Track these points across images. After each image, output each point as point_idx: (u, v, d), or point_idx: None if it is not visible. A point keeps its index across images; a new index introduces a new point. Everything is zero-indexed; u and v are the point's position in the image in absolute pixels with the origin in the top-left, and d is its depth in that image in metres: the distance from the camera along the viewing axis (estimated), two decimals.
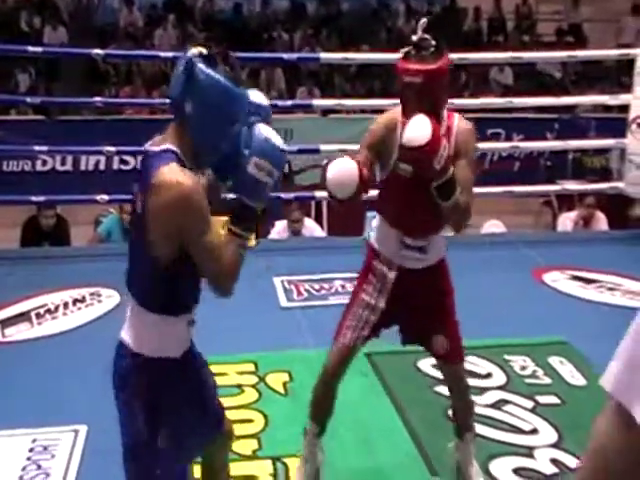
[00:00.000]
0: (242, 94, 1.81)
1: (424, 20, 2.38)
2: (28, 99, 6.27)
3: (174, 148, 1.77)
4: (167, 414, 1.87)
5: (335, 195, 2.24)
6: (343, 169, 2.23)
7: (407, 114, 2.32)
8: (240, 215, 1.83)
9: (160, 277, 1.80)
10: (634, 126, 5.19)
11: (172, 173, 1.72)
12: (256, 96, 2.00)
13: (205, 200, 1.76)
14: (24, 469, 2.72)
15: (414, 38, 2.33)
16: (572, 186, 6.33)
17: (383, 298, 2.47)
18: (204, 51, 1.77)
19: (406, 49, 2.34)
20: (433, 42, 2.31)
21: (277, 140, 1.83)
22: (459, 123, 2.40)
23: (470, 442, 2.63)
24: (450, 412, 2.75)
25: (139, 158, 8.36)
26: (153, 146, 1.81)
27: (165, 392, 1.87)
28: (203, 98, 1.75)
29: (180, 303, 1.87)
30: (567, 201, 6.77)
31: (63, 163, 8.38)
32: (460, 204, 2.30)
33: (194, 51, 1.77)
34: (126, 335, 1.88)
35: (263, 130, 1.83)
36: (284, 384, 3.30)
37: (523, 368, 3.47)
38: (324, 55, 5.61)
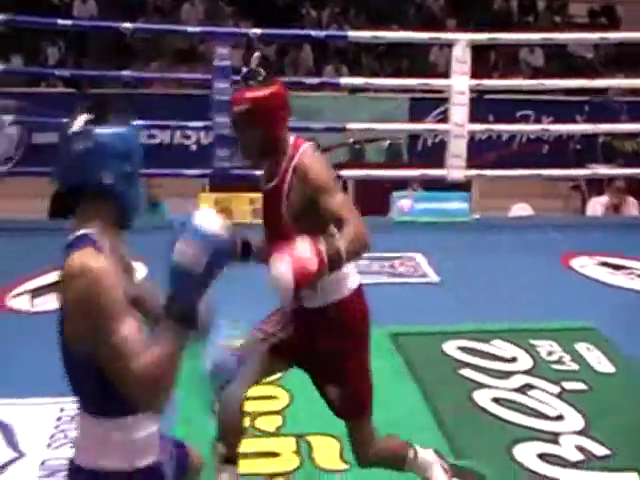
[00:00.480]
0: (132, 132, 1.65)
1: (257, 54, 2.34)
2: (57, 72, 6.29)
3: (88, 231, 1.59)
4: None
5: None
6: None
7: (244, 154, 2.24)
8: (167, 307, 1.52)
9: (85, 377, 1.58)
10: None
11: (80, 258, 1.53)
12: (205, 221, 1.54)
13: (117, 282, 1.53)
14: (52, 437, 2.75)
15: (244, 70, 2.26)
16: (602, 170, 6.24)
17: (284, 330, 2.28)
18: (88, 116, 1.63)
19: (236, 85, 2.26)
20: (262, 72, 2.23)
21: (213, 225, 1.52)
22: (300, 157, 2.17)
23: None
24: None
25: (166, 133, 8.42)
26: (69, 237, 1.62)
27: None
28: (120, 159, 1.60)
29: (120, 402, 1.54)
30: (597, 185, 6.68)
31: None
32: (350, 252, 2.00)
33: (78, 124, 1.63)
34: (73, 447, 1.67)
35: (202, 213, 1.54)
36: None
37: (550, 353, 3.44)
38: (352, 33, 5.57)
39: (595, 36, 6.13)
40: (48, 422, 2.83)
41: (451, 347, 3.44)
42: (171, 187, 6.09)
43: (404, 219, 5.06)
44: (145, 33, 9.22)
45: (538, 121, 8.51)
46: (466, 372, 3.27)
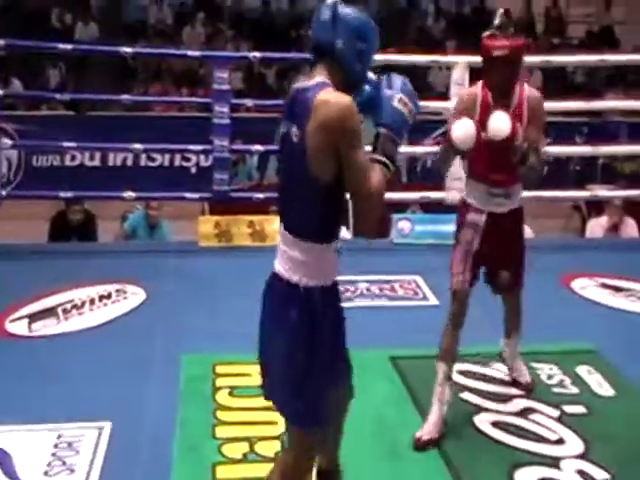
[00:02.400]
0: (376, 28, 2.07)
1: (502, 10, 2.88)
2: (58, 96, 6.32)
3: (327, 80, 2.00)
4: (321, 338, 2.03)
5: (459, 148, 2.83)
6: (465, 126, 2.79)
7: (489, 88, 2.88)
8: (384, 146, 2.02)
9: (318, 202, 1.99)
10: None
11: (331, 94, 1.94)
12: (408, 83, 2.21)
13: (360, 120, 1.95)
14: (49, 464, 2.73)
15: (496, 22, 2.85)
16: (602, 192, 6.24)
17: (477, 240, 3.00)
18: None
19: (490, 31, 2.85)
20: (512, 25, 2.84)
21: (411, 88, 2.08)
22: (529, 92, 2.93)
23: (516, 339, 3.27)
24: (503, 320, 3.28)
25: (166, 156, 8.46)
26: (302, 83, 2.04)
27: (318, 319, 2.03)
28: (352, 33, 2.01)
29: (334, 229, 2.06)
30: (596, 206, 6.68)
31: (92, 158, 8.45)
32: (534, 166, 2.81)
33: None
34: (281, 267, 2.06)
35: (400, 77, 2.09)
36: None
37: (550, 377, 3.42)
38: None
39: (594, 58, 6.15)
40: (45, 449, 2.81)
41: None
42: (171, 209, 6.10)
43: (404, 241, 5.06)
44: (146, 57, 9.28)
45: None
46: (466, 396, 3.25)
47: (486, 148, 2.85)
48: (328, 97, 1.94)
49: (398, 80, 2.07)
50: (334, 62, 2.02)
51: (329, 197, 1.99)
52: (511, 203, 3.02)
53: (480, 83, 2.96)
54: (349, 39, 2.01)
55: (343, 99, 1.94)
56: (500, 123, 2.77)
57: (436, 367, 3.01)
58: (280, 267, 2.06)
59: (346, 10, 2.04)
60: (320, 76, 2.02)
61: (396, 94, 2.04)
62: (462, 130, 2.81)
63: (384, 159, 2.01)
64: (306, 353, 2.02)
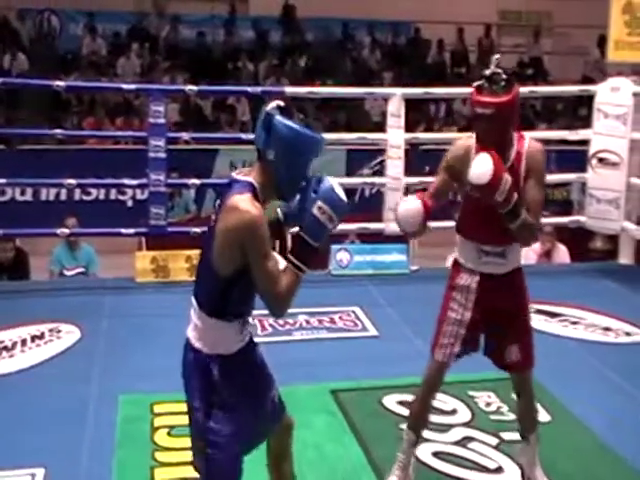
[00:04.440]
0: (317, 139, 2.09)
1: (497, 56, 2.65)
2: None
3: (254, 182, 2.07)
4: (223, 399, 2.14)
5: (404, 230, 2.71)
6: (409, 208, 2.66)
7: (479, 142, 2.61)
8: (300, 250, 2.09)
9: (218, 287, 2.09)
10: (594, 161, 5.29)
11: (242, 202, 2.02)
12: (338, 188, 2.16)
13: (267, 231, 2.04)
14: None
15: (487, 72, 2.59)
16: None
17: (468, 310, 2.70)
18: (281, 104, 2.08)
19: (479, 82, 2.59)
20: (504, 76, 2.56)
21: (341, 193, 2.10)
22: (529, 145, 2.66)
23: (535, 444, 2.86)
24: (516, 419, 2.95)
25: (101, 190, 8.31)
26: (239, 175, 2.12)
27: (221, 382, 2.13)
28: (283, 147, 2.05)
29: (235, 311, 2.14)
30: None
31: (23, 193, 8.26)
32: (526, 224, 2.55)
33: (272, 105, 2.08)
34: (190, 333, 2.18)
35: (331, 182, 2.10)
36: None
37: (488, 404, 3.46)
38: (289, 89, 5.62)
39: (526, 89, 6.34)
40: None
41: (391, 401, 3.44)
42: (106, 243, 6.00)
43: (342, 272, 5.08)
44: (78, 90, 9.15)
45: None
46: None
47: (477, 203, 2.60)
48: (238, 205, 2.01)
49: (326, 184, 2.08)
50: (267, 168, 2.08)
51: (229, 285, 2.09)
52: (508, 263, 2.69)
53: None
54: (281, 152, 2.05)
55: (250, 211, 2.00)
56: (480, 167, 2.48)
57: (404, 433, 2.83)
58: (189, 331, 2.19)
59: (281, 122, 2.05)
60: (252, 175, 2.10)
61: (318, 201, 2.06)
62: (403, 211, 2.68)
63: (297, 262, 2.08)
64: (205, 414, 2.14)
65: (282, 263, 2.11)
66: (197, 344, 2.16)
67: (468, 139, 2.69)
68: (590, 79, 9.30)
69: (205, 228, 2.27)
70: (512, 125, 2.61)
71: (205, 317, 2.14)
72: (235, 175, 2.13)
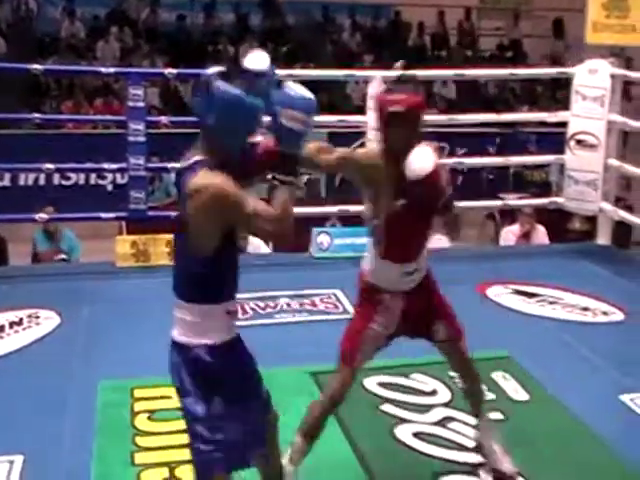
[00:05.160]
0: (256, 105, 2.04)
1: (401, 61, 2.73)
2: None
3: (201, 158, 2.04)
4: (215, 391, 2.11)
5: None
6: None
7: (387, 147, 2.58)
8: (282, 164, 2.05)
9: (199, 271, 2.06)
10: (572, 142, 5.32)
11: (202, 179, 1.99)
12: (255, 62, 2.17)
13: (233, 186, 1.99)
14: None
15: (396, 74, 2.67)
16: (514, 202, 6.44)
17: (393, 326, 2.72)
18: (222, 69, 2.04)
19: (387, 86, 2.64)
20: (411, 79, 2.68)
21: (303, 91, 2.06)
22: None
23: (490, 420, 2.91)
24: (463, 395, 2.97)
25: (81, 175, 8.26)
26: (184, 161, 2.07)
27: (210, 374, 2.10)
28: (222, 111, 2.00)
29: (220, 292, 2.12)
30: (509, 214, 6.88)
31: (1, 179, 8.19)
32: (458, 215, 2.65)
33: (213, 69, 2.04)
34: (175, 331, 2.14)
35: (290, 86, 2.07)
36: None
37: None
38: None
39: (505, 72, 6.36)
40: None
41: (372, 383, 3.46)
42: (86, 228, 5.97)
43: (323, 255, 5.09)
44: (57, 74, 9.05)
45: (452, 152, 8.75)
46: (387, 408, 3.29)
47: (403, 216, 2.58)
48: (200, 184, 1.99)
49: (286, 90, 2.06)
50: (209, 136, 2.06)
51: (211, 265, 2.07)
52: (421, 273, 2.74)
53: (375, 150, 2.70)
54: (220, 116, 2.01)
55: (213, 183, 1.98)
56: (421, 158, 2.48)
57: (296, 443, 2.68)
58: (174, 332, 2.15)
59: (220, 86, 2.01)
60: (198, 151, 2.06)
61: (284, 110, 2.02)
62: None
63: (286, 178, 2.05)
64: (199, 407, 2.11)
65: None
66: (183, 339, 2.12)
67: (377, 156, 2.63)
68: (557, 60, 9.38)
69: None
70: (418, 130, 2.57)
71: (190, 306, 2.11)
72: (181, 163, 2.10)
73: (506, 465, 2.82)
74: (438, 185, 2.50)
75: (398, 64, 2.69)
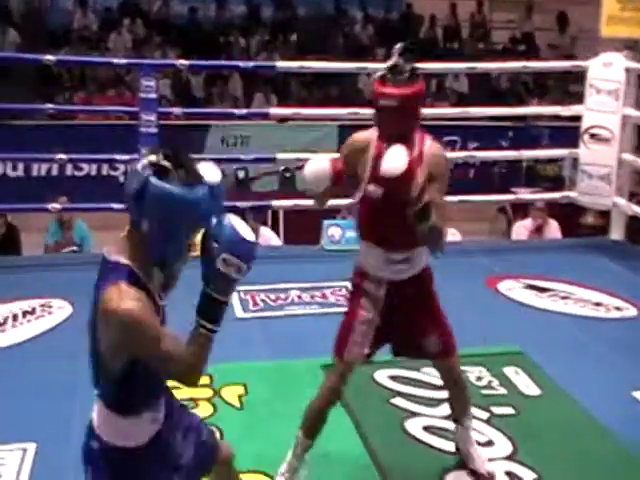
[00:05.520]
0: (198, 198, 1.73)
1: (399, 45, 2.47)
2: None
3: (127, 262, 1.75)
4: None
5: (312, 189, 2.54)
6: (317, 164, 2.51)
7: (381, 136, 2.48)
8: (207, 308, 1.81)
9: (114, 380, 1.81)
10: (586, 136, 5.28)
11: (115, 298, 1.70)
12: (207, 173, 1.83)
13: (151, 314, 1.74)
14: None
15: (389, 63, 2.45)
16: (526, 196, 6.41)
17: (377, 313, 2.61)
18: (154, 160, 1.71)
19: (381, 73, 2.45)
20: (408, 67, 2.43)
21: (246, 233, 1.79)
22: (430, 148, 2.51)
23: (469, 428, 2.82)
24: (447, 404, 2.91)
25: (93, 166, 8.28)
26: (110, 253, 1.78)
27: (128, 476, 1.89)
28: (158, 216, 1.71)
29: (136, 403, 1.86)
30: (521, 208, 6.85)
31: (14, 169, 8.22)
32: (436, 227, 2.36)
33: (144, 162, 1.72)
34: (94, 417, 1.91)
35: (231, 222, 1.79)
36: (239, 397, 3.26)
37: (479, 379, 3.48)
38: (280, 64, 5.59)
39: (518, 64, 6.31)
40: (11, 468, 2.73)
41: (382, 376, 3.45)
42: (97, 219, 5.98)
43: (334, 248, 5.08)
44: (69, 65, 9.07)
45: (464, 146, 8.71)
46: (398, 401, 3.29)
47: (379, 204, 2.48)
48: (111, 305, 1.69)
49: (227, 229, 1.77)
50: (141, 239, 1.76)
51: (127, 379, 1.80)
52: (412, 268, 2.59)
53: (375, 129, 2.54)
54: (157, 222, 1.71)
55: (124, 308, 1.68)
56: (394, 158, 2.37)
57: (297, 437, 2.66)
58: (94, 417, 1.92)
59: (158, 186, 1.68)
60: (124, 252, 1.76)
61: (222, 253, 1.76)
62: (311, 168, 2.51)
63: (208, 325, 1.79)
64: None
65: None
66: (104, 435, 1.87)
67: (369, 134, 2.53)
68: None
69: None
70: (415, 120, 2.48)
71: (105, 410, 1.86)
72: (107, 254, 1.79)
73: (481, 465, 2.80)
74: (410, 183, 2.41)
75: (396, 48, 2.47)
